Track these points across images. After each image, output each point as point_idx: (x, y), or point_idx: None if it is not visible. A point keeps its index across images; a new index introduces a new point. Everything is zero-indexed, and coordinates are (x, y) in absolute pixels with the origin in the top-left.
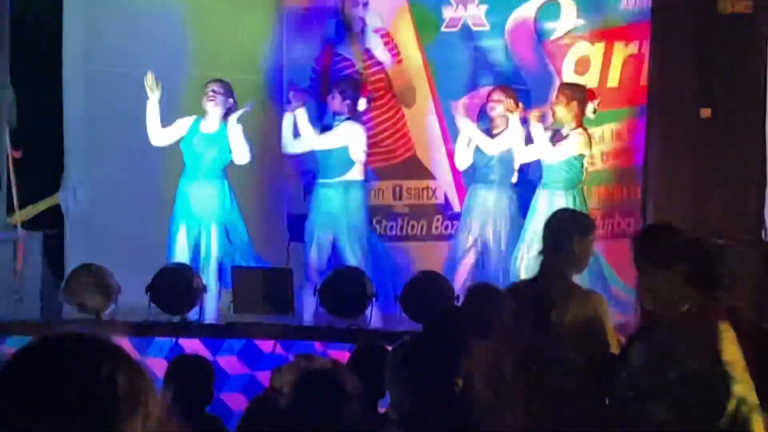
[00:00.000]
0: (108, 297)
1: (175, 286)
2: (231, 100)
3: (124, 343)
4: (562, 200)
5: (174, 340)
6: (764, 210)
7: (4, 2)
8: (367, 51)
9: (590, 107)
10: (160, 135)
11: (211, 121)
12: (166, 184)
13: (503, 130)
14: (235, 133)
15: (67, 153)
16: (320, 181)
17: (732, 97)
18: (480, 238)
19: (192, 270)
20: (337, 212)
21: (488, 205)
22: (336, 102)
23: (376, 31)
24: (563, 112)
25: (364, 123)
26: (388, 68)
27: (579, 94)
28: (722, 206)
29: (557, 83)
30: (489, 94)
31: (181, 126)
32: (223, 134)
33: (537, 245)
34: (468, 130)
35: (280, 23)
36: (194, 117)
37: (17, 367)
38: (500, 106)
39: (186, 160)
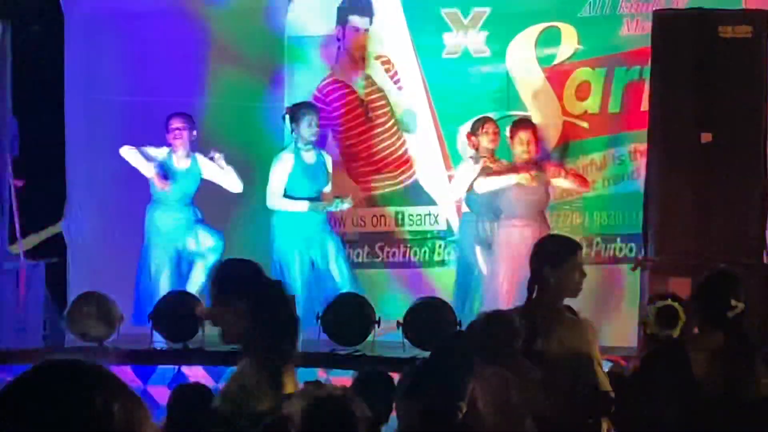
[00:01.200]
0: (110, 325)
1: (177, 313)
2: (194, 133)
3: (127, 371)
4: (518, 231)
5: (176, 367)
6: (765, 234)
7: (6, 31)
8: (369, 77)
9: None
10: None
11: (182, 157)
12: None
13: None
14: (213, 171)
15: (69, 182)
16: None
17: (732, 121)
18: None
19: (194, 297)
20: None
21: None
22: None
23: (378, 57)
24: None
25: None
26: (390, 94)
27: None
28: (723, 230)
29: (558, 109)
30: (483, 126)
31: (154, 155)
32: (195, 169)
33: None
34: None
35: (282, 50)
36: (165, 150)
37: (12, 395)
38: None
39: (154, 192)
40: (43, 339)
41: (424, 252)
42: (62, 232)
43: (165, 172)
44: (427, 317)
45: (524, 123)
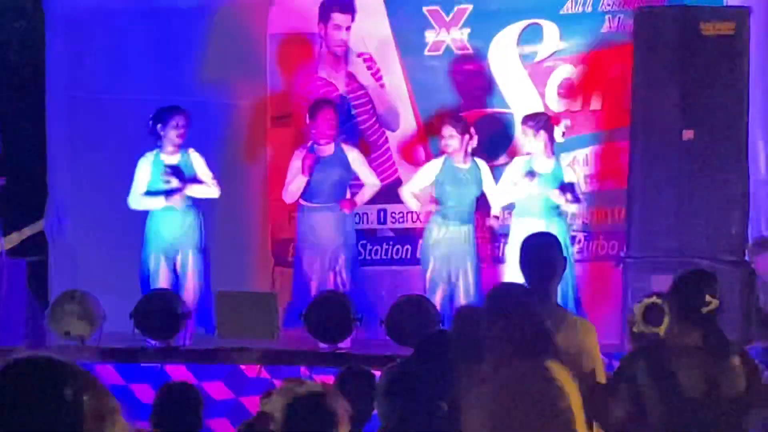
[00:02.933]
0: (92, 323)
1: (159, 311)
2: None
3: (109, 369)
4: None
5: (160, 366)
6: (747, 231)
7: None
8: (351, 75)
9: (558, 131)
10: (144, 202)
11: (171, 151)
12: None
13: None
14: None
15: (51, 180)
16: (310, 204)
17: (715, 119)
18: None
19: (176, 295)
20: (329, 236)
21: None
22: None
23: (360, 55)
24: (534, 144)
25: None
26: (372, 92)
27: (544, 123)
28: (705, 228)
29: (541, 106)
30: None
31: (144, 173)
32: (185, 162)
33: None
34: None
35: (263, 48)
36: (152, 154)
37: None
38: (454, 142)
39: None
40: (25, 337)
41: (407, 249)
42: (44, 230)
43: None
44: (410, 315)
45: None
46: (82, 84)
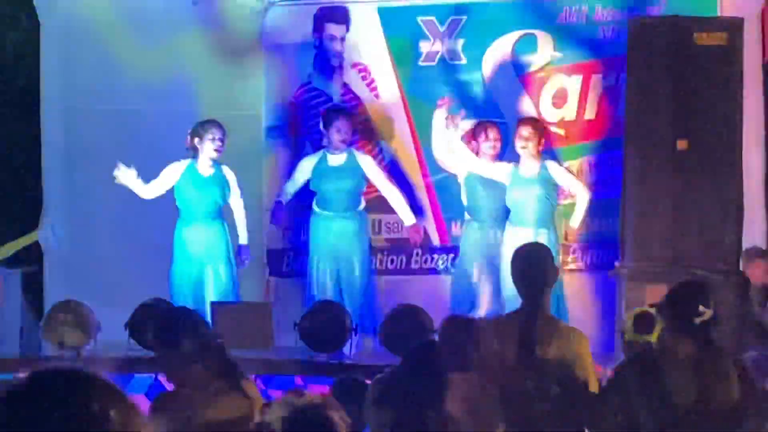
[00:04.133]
0: (87, 333)
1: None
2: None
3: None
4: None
5: (154, 376)
6: (741, 241)
7: None
8: (345, 85)
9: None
10: (149, 191)
11: (206, 164)
12: (144, 220)
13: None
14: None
15: (46, 190)
16: (324, 212)
17: (708, 128)
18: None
19: (170, 304)
20: (345, 245)
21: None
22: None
23: (354, 65)
24: (532, 148)
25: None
26: (366, 102)
27: (541, 128)
28: (699, 237)
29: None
30: (486, 131)
31: (171, 175)
32: (219, 176)
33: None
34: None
35: (259, 58)
36: (186, 162)
37: (9, 403)
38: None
39: (182, 205)
40: (20, 348)
41: (401, 260)
42: (39, 240)
43: (187, 180)
44: (405, 325)
45: (526, 120)
46: (78, 94)
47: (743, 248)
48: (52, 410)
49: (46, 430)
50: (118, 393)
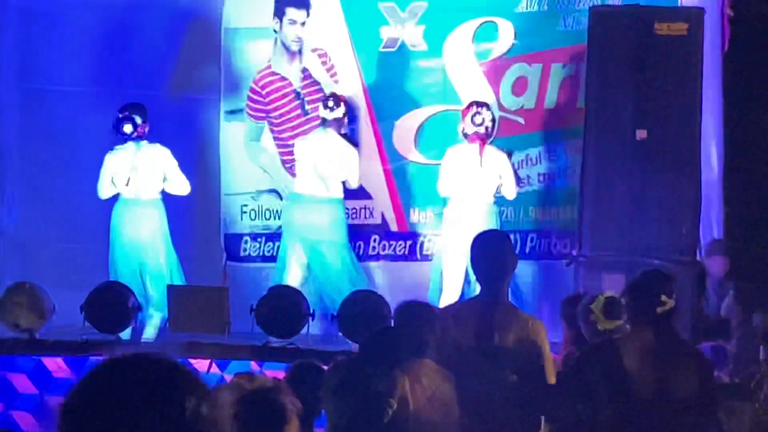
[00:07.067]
0: (42, 316)
1: (110, 305)
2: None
3: (59, 362)
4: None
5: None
6: (699, 231)
7: None
8: (305, 70)
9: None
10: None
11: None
12: (100, 202)
13: None
14: (173, 167)
15: (2, 172)
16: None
17: (668, 118)
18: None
19: (127, 288)
20: (319, 229)
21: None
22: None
23: (314, 50)
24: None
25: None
26: (326, 87)
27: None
28: (658, 227)
29: (495, 103)
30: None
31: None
32: (152, 155)
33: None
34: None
35: (218, 42)
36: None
37: (98, 385)
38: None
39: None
40: None
41: (359, 246)
42: None
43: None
44: (361, 311)
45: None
46: (35, 76)
47: (701, 240)
48: (142, 400)
49: (137, 419)
50: (208, 388)
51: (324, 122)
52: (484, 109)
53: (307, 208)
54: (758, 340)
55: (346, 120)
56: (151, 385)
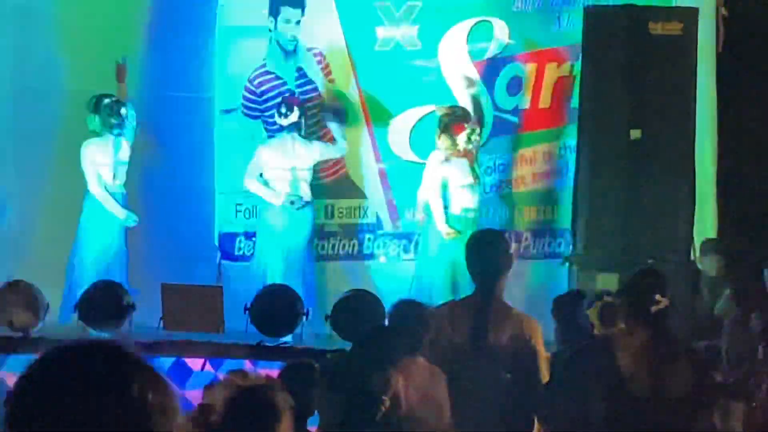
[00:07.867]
0: (36, 314)
1: (104, 303)
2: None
3: None
4: None
5: None
6: (693, 231)
7: None
8: (300, 70)
9: (462, 136)
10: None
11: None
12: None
13: None
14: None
15: None
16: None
17: (662, 119)
18: None
19: (121, 287)
20: (290, 231)
21: None
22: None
23: (309, 49)
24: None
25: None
26: (321, 87)
27: (445, 122)
28: (652, 227)
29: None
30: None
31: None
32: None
33: None
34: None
35: (212, 41)
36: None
37: (43, 372)
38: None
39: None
40: None
41: (353, 245)
42: None
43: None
44: (355, 310)
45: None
46: (28, 74)
47: (695, 240)
48: (89, 386)
49: (81, 405)
50: (158, 376)
51: (281, 128)
52: (478, 128)
53: (279, 212)
54: (756, 340)
55: (303, 121)
56: (95, 371)
